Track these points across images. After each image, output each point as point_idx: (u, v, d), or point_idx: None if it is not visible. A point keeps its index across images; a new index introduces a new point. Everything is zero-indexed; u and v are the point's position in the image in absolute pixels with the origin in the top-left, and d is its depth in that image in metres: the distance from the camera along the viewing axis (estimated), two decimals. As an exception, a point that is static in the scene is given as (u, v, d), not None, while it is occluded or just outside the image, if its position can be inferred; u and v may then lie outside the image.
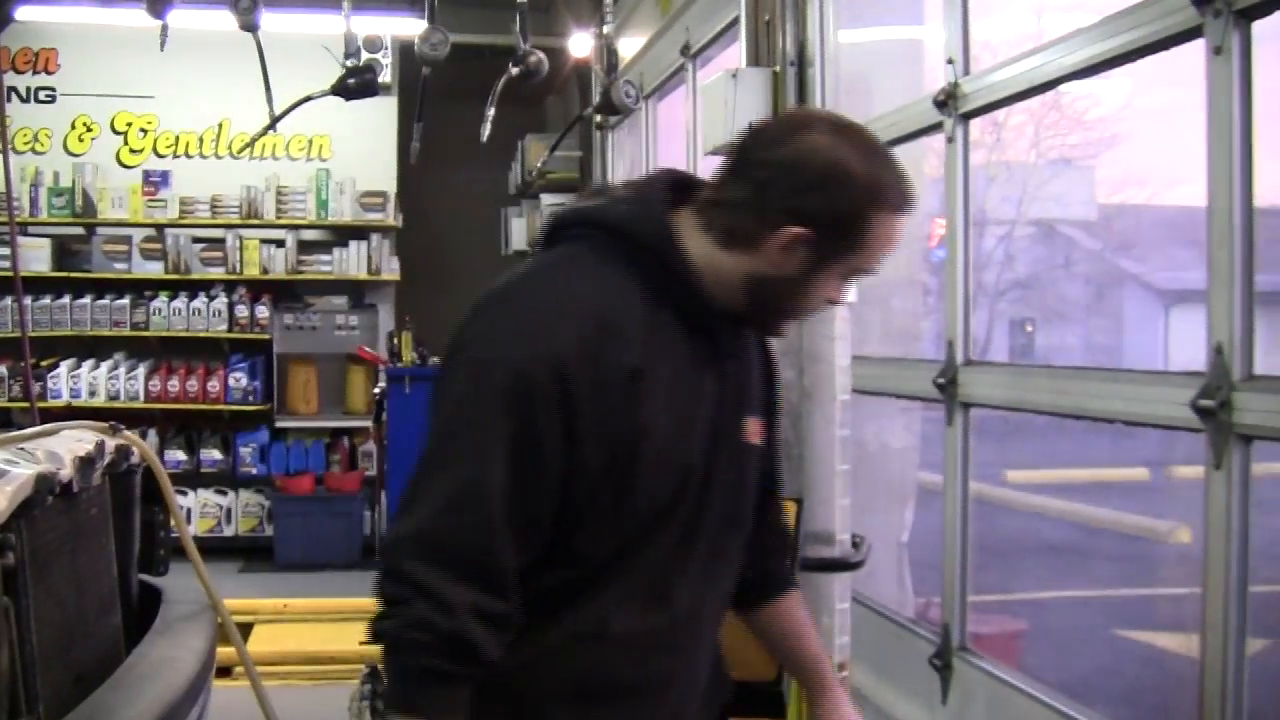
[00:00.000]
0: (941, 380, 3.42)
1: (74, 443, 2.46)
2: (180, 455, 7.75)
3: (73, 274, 7.74)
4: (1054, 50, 2.93)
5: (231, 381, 7.77)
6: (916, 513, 4.40)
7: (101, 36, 7.48)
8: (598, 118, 6.43)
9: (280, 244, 7.91)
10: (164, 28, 4.31)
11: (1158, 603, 7.67)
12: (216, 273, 7.86)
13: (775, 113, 4.11)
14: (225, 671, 4.24)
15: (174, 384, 7.72)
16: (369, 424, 7.60)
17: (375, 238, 7.97)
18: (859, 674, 3.47)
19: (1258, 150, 2.28)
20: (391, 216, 7.99)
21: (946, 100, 3.40)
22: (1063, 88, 3.58)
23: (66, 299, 7.66)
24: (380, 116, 7.75)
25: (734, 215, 1.51)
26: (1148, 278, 17.08)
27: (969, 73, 3.37)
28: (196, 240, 7.88)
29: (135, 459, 2.82)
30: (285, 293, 8.01)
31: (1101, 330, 17.42)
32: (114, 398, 7.59)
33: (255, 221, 7.85)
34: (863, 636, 3.39)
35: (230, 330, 7.78)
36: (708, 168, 3.45)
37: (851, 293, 2.33)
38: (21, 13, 6.74)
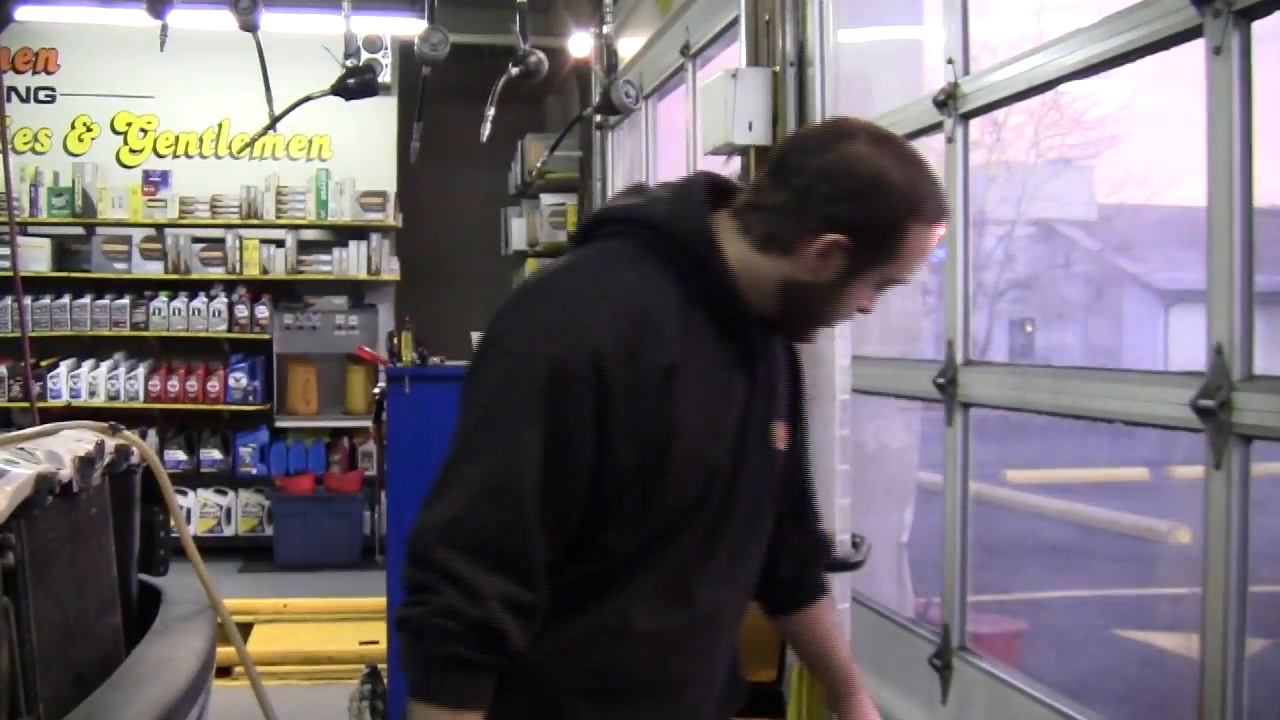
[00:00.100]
0: (941, 380, 3.42)
1: (74, 443, 2.46)
2: (180, 455, 7.76)
3: (73, 274, 7.75)
4: (1054, 50, 2.93)
5: (231, 381, 7.77)
6: (916, 513, 4.39)
7: (101, 36, 7.49)
8: (597, 118, 6.43)
9: (280, 244, 7.91)
10: (164, 28, 4.31)
11: (1157, 603, 7.66)
12: (216, 273, 7.86)
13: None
14: (225, 671, 4.25)
15: (174, 384, 7.72)
16: (369, 424, 7.58)
17: (375, 238, 7.98)
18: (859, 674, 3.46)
19: (1257, 150, 2.28)
20: (391, 216, 7.99)
21: (946, 100, 3.40)
22: (1062, 88, 3.57)
23: (66, 299, 7.67)
24: (380, 116, 7.76)
25: (773, 220, 1.52)
26: (1147, 278, 17.05)
27: (969, 73, 3.36)
28: (196, 240, 7.89)
29: (135, 459, 2.82)
30: (285, 293, 8.02)
31: (1101, 330, 17.39)
32: (114, 398, 7.60)
33: (255, 221, 7.85)
34: (862, 636, 3.38)
35: (230, 330, 7.79)
36: (707, 168, 3.45)
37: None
38: (21, 13, 6.75)
